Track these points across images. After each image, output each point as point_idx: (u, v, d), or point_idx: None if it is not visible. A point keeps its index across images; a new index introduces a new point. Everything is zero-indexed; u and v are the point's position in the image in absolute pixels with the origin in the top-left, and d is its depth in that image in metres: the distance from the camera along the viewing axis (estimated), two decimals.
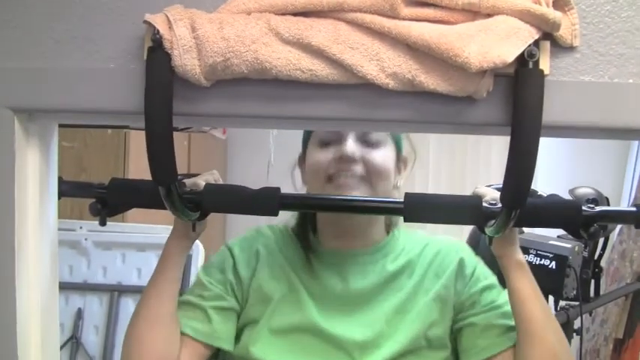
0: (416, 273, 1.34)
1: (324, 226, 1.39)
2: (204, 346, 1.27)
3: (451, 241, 1.42)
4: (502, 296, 1.30)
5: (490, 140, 4.10)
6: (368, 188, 1.28)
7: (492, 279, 1.35)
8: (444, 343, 1.30)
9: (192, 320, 1.27)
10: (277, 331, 1.29)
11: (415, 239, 1.41)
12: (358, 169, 1.27)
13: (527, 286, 1.19)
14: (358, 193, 1.27)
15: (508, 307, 1.25)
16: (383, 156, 1.30)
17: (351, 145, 1.27)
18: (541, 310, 1.18)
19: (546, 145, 4.16)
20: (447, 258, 1.36)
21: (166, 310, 1.21)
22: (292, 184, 1.42)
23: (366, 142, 1.29)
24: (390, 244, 1.39)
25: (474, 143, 4.22)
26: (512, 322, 1.24)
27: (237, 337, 1.33)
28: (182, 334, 1.25)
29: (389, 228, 1.42)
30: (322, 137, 1.31)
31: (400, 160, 1.38)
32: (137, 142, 2.75)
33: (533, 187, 0.93)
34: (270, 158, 3.39)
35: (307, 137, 1.37)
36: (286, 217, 1.44)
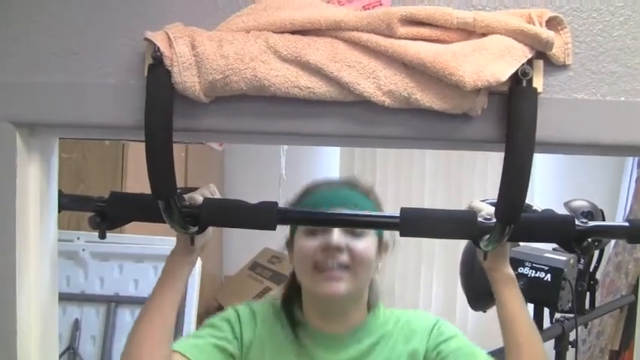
0: (390, 342, 1.43)
1: (309, 305, 1.46)
2: None
3: (423, 312, 1.52)
4: (466, 341, 1.40)
5: (486, 154, 4.12)
6: (352, 276, 1.35)
7: (456, 331, 1.44)
8: None
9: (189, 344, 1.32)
10: None
11: (393, 314, 1.50)
12: (343, 257, 1.34)
13: (516, 300, 1.23)
14: (343, 283, 1.34)
15: (474, 349, 1.36)
16: (365, 246, 1.37)
17: (336, 236, 1.33)
18: (528, 324, 1.23)
19: (542, 158, 4.20)
20: (417, 324, 1.45)
21: (166, 325, 1.22)
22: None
23: (350, 232, 1.36)
24: (370, 323, 1.46)
25: (470, 157, 4.24)
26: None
27: None
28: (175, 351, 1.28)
29: (370, 307, 1.49)
30: (310, 227, 1.37)
31: (381, 247, 1.45)
32: (135, 153, 2.76)
33: (528, 200, 0.95)
34: (282, 171, 3.46)
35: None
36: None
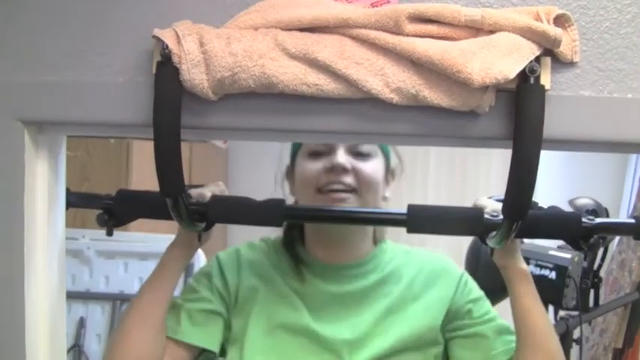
0: (403, 280, 1.38)
1: (312, 238, 1.41)
2: (180, 346, 1.27)
3: (434, 253, 1.47)
4: (491, 309, 1.36)
5: (490, 150, 4.13)
6: (357, 198, 1.30)
7: (481, 292, 1.40)
8: (434, 343, 1.33)
9: (169, 320, 1.27)
10: (266, 332, 1.30)
11: (400, 250, 1.45)
12: (348, 179, 1.29)
13: (531, 296, 1.21)
14: (348, 203, 1.29)
15: (500, 321, 1.31)
16: (373, 167, 1.32)
17: (342, 156, 1.29)
18: (544, 320, 1.21)
19: (546, 156, 4.18)
20: (439, 267, 1.40)
21: (157, 314, 1.21)
22: (283, 195, 1.44)
23: (356, 153, 1.31)
24: (378, 256, 1.42)
25: (474, 153, 4.24)
26: (507, 337, 1.28)
27: (226, 341, 1.34)
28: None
29: (376, 241, 1.45)
30: (312, 148, 1.33)
31: (389, 172, 1.41)
32: (140, 151, 2.76)
33: (533, 197, 0.95)
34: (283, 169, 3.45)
35: (296, 149, 1.39)
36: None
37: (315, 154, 1.32)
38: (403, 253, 1.44)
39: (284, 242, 1.43)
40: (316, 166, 1.31)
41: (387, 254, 1.43)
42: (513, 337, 1.25)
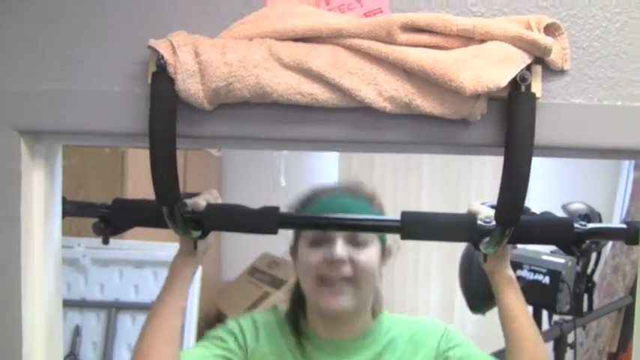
0: (398, 349, 1.45)
1: (314, 316, 1.47)
2: None
3: (430, 318, 1.54)
4: (474, 348, 1.42)
5: (483, 157, 4.14)
6: (355, 288, 1.37)
7: (464, 338, 1.46)
8: None
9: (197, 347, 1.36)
10: None
11: (398, 320, 1.52)
12: (346, 269, 1.35)
13: (517, 302, 1.24)
14: (347, 296, 1.37)
15: (481, 356, 1.38)
16: (368, 257, 1.39)
17: (339, 248, 1.35)
18: (530, 326, 1.24)
19: (540, 161, 4.19)
20: (426, 333, 1.47)
21: (173, 327, 1.24)
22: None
23: (353, 242, 1.37)
24: (377, 329, 1.48)
25: (467, 160, 4.26)
26: None
27: None
28: None
29: (375, 314, 1.51)
30: (313, 237, 1.39)
31: (384, 254, 1.47)
32: (135, 160, 2.76)
33: (526, 203, 0.96)
34: (281, 177, 3.46)
35: (299, 233, 1.45)
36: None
37: (315, 244, 1.39)
38: (399, 323, 1.51)
39: (288, 315, 1.51)
40: (316, 256, 1.37)
41: (384, 326, 1.49)
42: None
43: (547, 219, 1.15)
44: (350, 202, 1.41)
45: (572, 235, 1.10)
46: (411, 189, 4.38)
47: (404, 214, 1.11)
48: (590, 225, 1.12)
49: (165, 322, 1.23)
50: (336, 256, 1.34)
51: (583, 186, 3.92)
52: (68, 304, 2.49)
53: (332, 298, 1.36)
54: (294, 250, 1.49)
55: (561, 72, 0.92)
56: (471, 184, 4.30)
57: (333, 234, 1.37)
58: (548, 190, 3.97)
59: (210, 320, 3.82)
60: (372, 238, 1.40)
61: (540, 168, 4.13)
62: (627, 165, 3.79)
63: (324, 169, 4.37)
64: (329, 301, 1.36)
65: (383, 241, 1.45)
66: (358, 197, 1.43)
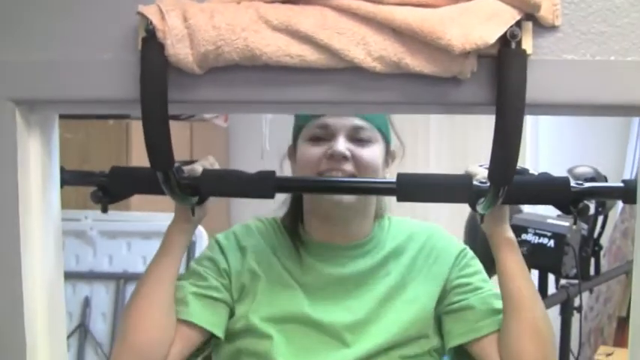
0: (404, 257, 1.40)
1: (312, 219, 1.42)
2: (190, 327, 1.29)
3: (439, 230, 1.47)
4: (486, 282, 1.36)
5: (490, 120, 4.12)
6: None
7: (479, 265, 1.40)
8: (431, 333, 1.35)
9: (178, 303, 1.29)
10: (267, 321, 1.32)
11: (402, 225, 1.46)
12: (348, 166, 1.31)
13: (516, 262, 1.22)
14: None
15: (494, 291, 1.31)
16: (372, 153, 1.34)
17: (341, 143, 1.31)
18: (528, 287, 1.23)
19: (547, 125, 4.18)
20: (440, 244, 1.42)
21: (165, 293, 1.24)
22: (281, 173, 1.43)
23: (356, 139, 1.33)
24: (378, 235, 1.43)
25: (476, 124, 4.24)
26: (498, 305, 1.28)
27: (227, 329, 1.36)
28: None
29: (377, 218, 1.45)
30: (313, 133, 1.35)
31: (388, 155, 1.43)
32: (139, 132, 2.74)
33: (534, 167, 0.96)
34: (265, 144, 3.40)
35: (298, 130, 1.40)
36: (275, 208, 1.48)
37: (316, 139, 1.34)
38: (407, 228, 1.45)
39: (286, 222, 1.45)
40: (317, 151, 1.33)
41: (388, 232, 1.44)
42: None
43: (543, 178, 1.15)
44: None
45: (568, 194, 1.10)
46: (418, 152, 4.37)
47: (400, 175, 1.11)
48: (588, 184, 1.12)
49: (159, 288, 1.24)
50: (338, 151, 1.30)
51: (592, 150, 3.89)
52: (77, 276, 2.52)
53: (332, 194, 1.31)
54: (292, 150, 1.45)
55: (552, 28, 0.90)
56: (481, 149, 4.26)
57: (334, 129, 1.33)
58: (556, 154, 3.95)
59: None
60: (376, 137, 1.37)
61: (547, 132, 4.11)
62: (636, 128, 3.76)
63: None
64: (330, 196, 1.31)
65: (387, 142, 1.41)
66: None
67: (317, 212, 1.41)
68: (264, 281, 1.35)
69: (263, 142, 3.40)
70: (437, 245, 1.42)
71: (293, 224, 1.44)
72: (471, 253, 1.43)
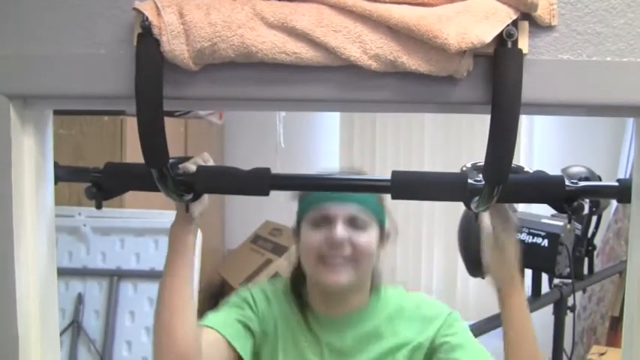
0: (394, 325, 1.51)
1: (313, 293, 1.55)
2: (222, 341, 1.41)
3: (429, 300, 1.60)
4: (471, 339, 1.48)
5: (485, 119, 4.13)
6: (354, 267, 1.45)
7: (465, 327, 1.52)
8: None
9: (215, 316, 1.45)
10: None
11: (393, 295, 1.59)
12: (346, 251, 1.44)
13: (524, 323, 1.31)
14: (346, 274, 1.44)
15: (476, 348, 1.44)
16: (368, 239, 1.47)
17: (340, 230, 1.43)
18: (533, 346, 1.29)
19: (542, 124, 4.19)
20: (431, 311, 1.53)
21: (184, 294, 1.29)
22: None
23: (353, 225, 1.45)
24: (372, 305, 1.55)
25: (470, 123, 4.25)
26: None
27: None
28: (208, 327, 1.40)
29: (373, 290, 1.57)
30: (314, 219, 1.48)
31: (383, 237, 1.54)
32: (134, 128, 2.73)
33: (528, 166, 0.96)
34: (280, 141, 3.46)
35: (301, 215, 1.52)
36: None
37: (317, 225, 1.47)
38: (398, 300, 1.57)
39: (291, 289, 1.59)
40: (318, 236, 1.46)
41: (383, 301, 1.56)
42: None
43: (538, 177, 1.14)
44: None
45: (562, 192, 1.10)
46: (413, 151, 4.38)
47: (394, 173, 1.10)
48: (582, 183, 1.12)
49: (177, 292, 1.28)
50: (337, 237, 1.42)
51: (586, 149, 3.91)
52: (70, 272, 2.52)
53: (332, 275, 1.43)
54: (296, 232, 1.55)
55: (549, 28, 0.90)
56: (474, 148, 4.27)
57: (334, 217, 1.45)
58: (550, 154, 3.97)
59: (214, 289, 3.85)
60: (371, 222, 1.49)
61: (542, 132, 4.12)
62: (630, 128, 3.77)
63: (325, 132, 4.34)
64: (329, 277, 1.44)
65: (381, 226, 1.52)
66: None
67: (317, 289, 1.53)
68: (283, 331, 1.52)
69: (277, 139, 3.44)
70: (426, 315, 1.52)
71: (298, 293, 1.58)
72: (457, 315, 1.54)
